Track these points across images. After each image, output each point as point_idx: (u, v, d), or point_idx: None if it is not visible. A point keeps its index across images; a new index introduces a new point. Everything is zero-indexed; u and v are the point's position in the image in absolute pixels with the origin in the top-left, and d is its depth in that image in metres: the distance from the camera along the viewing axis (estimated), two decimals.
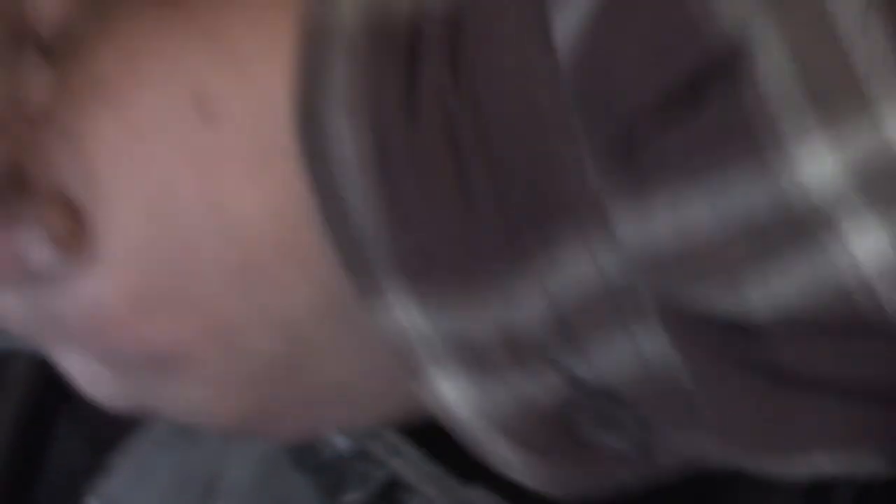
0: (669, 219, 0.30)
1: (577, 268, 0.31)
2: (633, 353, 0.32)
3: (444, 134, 0.32)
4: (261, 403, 0.41)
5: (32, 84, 0.36)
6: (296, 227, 0.36)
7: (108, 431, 0.72)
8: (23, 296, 0.39)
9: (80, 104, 0.37)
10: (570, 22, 0.30)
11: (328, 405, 0.42)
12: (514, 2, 0.32)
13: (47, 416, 0.72)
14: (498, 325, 0.33)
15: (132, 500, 0.58)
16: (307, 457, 0.59)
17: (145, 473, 0.59)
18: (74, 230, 0.37)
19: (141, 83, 0.37)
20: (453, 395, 0.35)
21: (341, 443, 0.58)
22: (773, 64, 0.27)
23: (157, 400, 0.42)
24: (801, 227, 0.29)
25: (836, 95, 0.27)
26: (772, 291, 0.29)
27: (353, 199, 0.34)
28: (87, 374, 0.43)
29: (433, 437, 0.59)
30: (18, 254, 0.37)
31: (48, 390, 0.72)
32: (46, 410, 0.72)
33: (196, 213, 0.36)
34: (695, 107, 0.29)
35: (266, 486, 0.58)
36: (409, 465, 0.56)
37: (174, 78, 0.37)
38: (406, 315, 0.34)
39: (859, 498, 0.63)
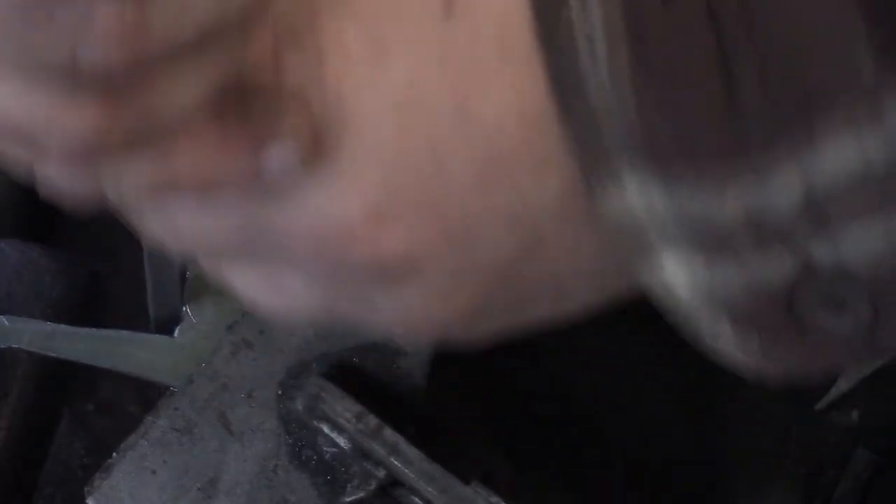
0: None
1: (842, 155, 0.32)
2: (885, 237, 0.33)
3: (704, 21, 0.32)
4: (482, 302, 0.40)
5: None
6: (539, 123, 0.35)
7: (108, 431, 0.72)
8: (225, 211, 0.38)
9: (314, 13, 0.36)
10: None
11: (540, 300, 0.41)
12: None
13: (47, 416, 0.72)
14: (746, 208, 0.33)
15: (132, 500, 0.58)
16: (307, 456, 0.59)
17: (145, 473, 0.59)
18: (316, 137, 0.36)
19: None
20: (681, 276, 0.35)
21: (342, 442, 0.58)
22: None
23: (367, 311, 0.41)
24: None
25: None
26: None
27: (596, 73, 0.33)
28: (273, 289, 0.41)
29: (433, 437, 0.59)
30: (260, 161, 0.36)
31: (48, 390, 0.72)
32: (46, 410, 0.72)
33: (442, 114, 0.36)
34: None
35: (266, 486, 0.58)
36: (409, 464, 0.56)
37: None
38: (644, 198, 0.34)
39: (862, 498, 0.63)
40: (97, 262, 0.77)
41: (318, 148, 0.36)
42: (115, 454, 0.59)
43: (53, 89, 0.33)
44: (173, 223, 0.40)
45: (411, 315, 0.41)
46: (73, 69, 0.31)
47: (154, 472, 0.59)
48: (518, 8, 0.35)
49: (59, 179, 0.37)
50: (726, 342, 0.37)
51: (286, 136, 0.35)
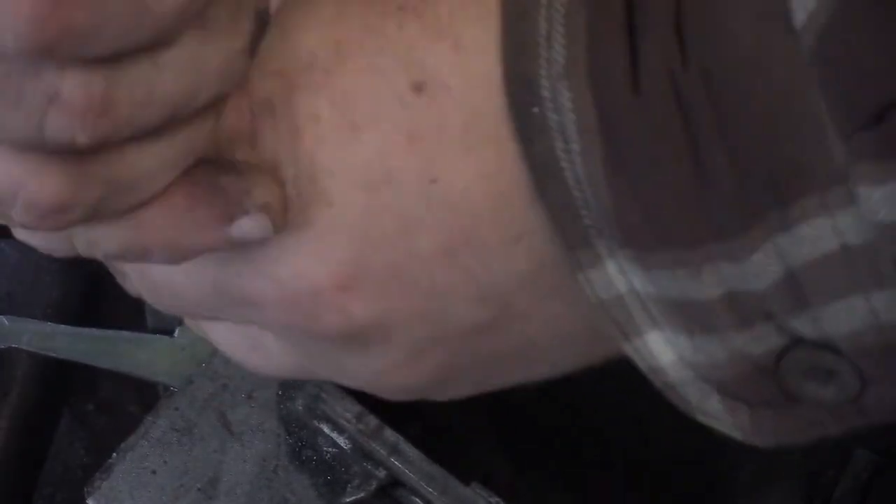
0: None
1: (817, 234, 0.32)
2: (866, 313, 0.32)
3: (673, 105, 0.32)
4: (449, 368, 0.41)
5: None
6: (509, 196, 0.36)
7: (108, 431, 0.72)
8: (199, 268, 0.39)
9: (291, 90, 0.37)
10: (812, 5, 0.30)
11: (512, 365, 0.42)
12: None
13: (47, 416, 0.72)
14: (725, 291, 0.33)
15: (132, 500, 0.58)
16: (307, 456, 0.59)
17: (145, 473, 0.59)
18: (281, 205, 0.37)
19: (354, 67, 0.36)
20: (664, 353, 0.36)
21: (342, 442, 0.58)
22: None
23: (335, 371, 0.42)
24: None
25: None
26: None
27: (570, 165, 0.34)
28: (250, 347, 0.42)
29: (433, 437, 0.59)
30: (223, 225, 0.37)
31: (48, 390, 0.72)
32: (46, 410, 0.72)
33: (412, 185, 0.36)
34: None
35: (266, 486, 0.58)
36: (410, 465, 0.56)
37: (387, 56, 0.36)
38: (623, 279, 0.34)
39: (862, 498, 0.63)
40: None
41: (284, 212, 0.37)
42: (115, 454, 0.59)
43: (20, 159, 0.33)
44: (149, 282, 0.41)
45: (380, 378, 0.41)
46: (39, 142, 0.32)
47: (154, 472, 0.59)
48: (490, 91, 0.35)
49: (31, 240, 0.38)
50: (716, 414, 0.37)
51: (255, 209, 0.36)
